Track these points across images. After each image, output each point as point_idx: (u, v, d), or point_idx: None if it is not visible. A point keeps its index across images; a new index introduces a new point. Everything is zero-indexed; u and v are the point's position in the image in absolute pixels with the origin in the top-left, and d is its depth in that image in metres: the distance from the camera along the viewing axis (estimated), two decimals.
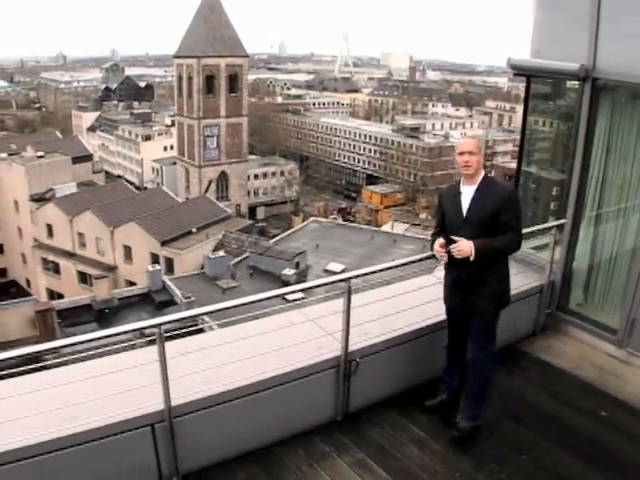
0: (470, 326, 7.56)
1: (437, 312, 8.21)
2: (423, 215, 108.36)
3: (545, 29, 9.35)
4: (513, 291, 8.12)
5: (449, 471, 6.97)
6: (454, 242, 7.14)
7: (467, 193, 7.30)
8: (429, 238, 7.85)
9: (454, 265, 7.33)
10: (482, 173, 7.32)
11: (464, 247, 7.04)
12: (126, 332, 6.65)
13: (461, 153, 7.24)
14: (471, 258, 7.04)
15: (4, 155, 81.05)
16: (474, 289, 7.33)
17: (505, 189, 7.44)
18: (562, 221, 9.63)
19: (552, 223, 9.85)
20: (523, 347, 9.74)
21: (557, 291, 10.05)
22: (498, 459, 7.16)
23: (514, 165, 11.89)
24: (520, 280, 9.51)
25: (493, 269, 7.38)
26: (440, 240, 7.32)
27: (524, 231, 8.93)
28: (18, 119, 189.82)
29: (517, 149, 11.48)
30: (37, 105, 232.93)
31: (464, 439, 7.43)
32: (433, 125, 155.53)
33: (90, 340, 6.29)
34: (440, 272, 8.55)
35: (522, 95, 10.90)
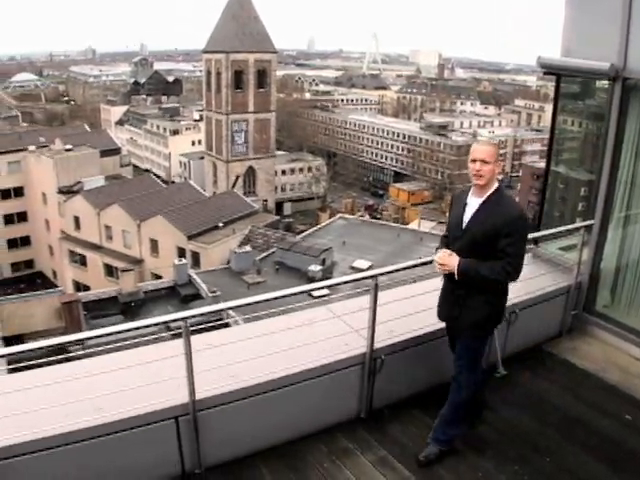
0: (456, 347, 7.23)
1: None
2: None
3: (575, 28, 9.26)
4: (540, 291, 8.07)
5: (471, 471, 6.95)
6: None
7: (472, 205, 6.75)
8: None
9: (446, 277, 6.97)
10: (495, 185, 6.72)
11: (449, 263, 6.68)
12: (152, 325, 6.67)
13: (473, 160, 6.68)
14: (456, 277, 6.68)
15: (33, 148, 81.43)
16: (457, 308, 6.91)
17: (512, 210, 6.65)
18: (590, 222, 9.55)
19: (580, 224, 9.76)
20: (549, 348, 9.65)
21: (584, 292, 9.93)
22: (521, 460, 7.11)
23: (542, 164, 11.83)
24: (547, 280, 9.48)
25: (480, 292, 6.78)
26: (443, 251, 6.85)
27: (550, 232, 8.83)
28: (47, 112, 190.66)
29: (546, 149, 11.42)
30: (66, 98, 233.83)
31: (430, 463, 7.08)
32: (461, 123, 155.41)
33: (117, 332, 6.34)
34: None
35: (551, 94, 10.84)
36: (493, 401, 8.20)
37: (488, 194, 6.67)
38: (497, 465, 7.04)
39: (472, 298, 6.77)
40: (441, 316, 7.24)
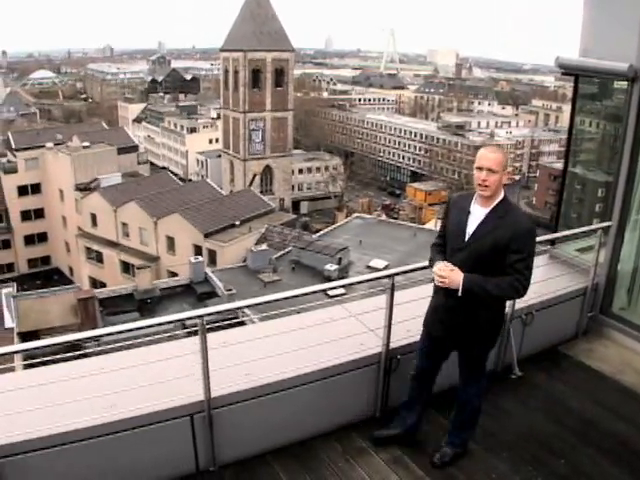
0: (459, 358, 6.94)
1: None
2: None
3: (594, 28, 9.21)
4: (556, 293, 8.04)
5: (485, 472, 6.92)
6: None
7: (477, 214, 6.33)
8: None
9: (443, 289, 6.43)
10: (501, 194, 6.28)
11: (453, 279, 6.22)
12: (169, 322, 6.70)
13: (479, 168, 6.18)
14: (459, 293, 6.23)
15: (50, 145, 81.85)
16: (462, 322, 6.51)
17: (523, 223, 6.27)
18: (607, 223, 9.49)
19: (597, 225, 9.70)
20: (565, 349, 9.60)
21: (600, 294, 9.87)
22: (535, 462, 7.08)
23: (560, 165, 11.79)
24: (564, 282, 9.45)
25: (488, 305, 6.46)
26: (440, 263, 6.38)
27: (567, 233, 8.79)
28: (65, 109, 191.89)
29: (563, 149, 11.38)
30: (83, 96, 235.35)
31: (444, 464, 7.00)
32: (479, 123, 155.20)
33: (133, 329, 6.35)
34: None
35: (569, 94, 10.81)
36: (508, 402, 8.23)
37: (495, 204, 6.28)
38: (512, 466, 7.01)
39: (475, 309, 6.41)
40: (438, 331, 6.78)
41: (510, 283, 6.15)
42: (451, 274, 6.21)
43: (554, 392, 8.55)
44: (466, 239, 6.30)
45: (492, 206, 6.25)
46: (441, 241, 6.74)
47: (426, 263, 7.00)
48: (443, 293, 6.46)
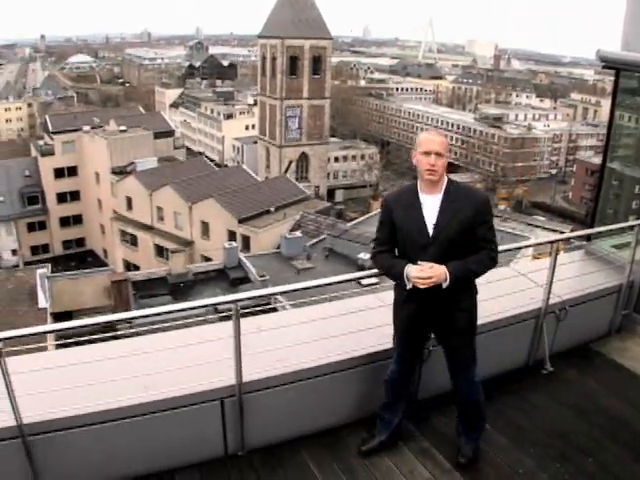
0: (447, 356, 6.74)
1: (514, 305, 8.17)
2: (502, 206, 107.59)
3: (636, 21, 9.10)
4: (591, 289, 7.97)
5: (513, 467, 6.87)
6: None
7: (430, 204, 6.13)
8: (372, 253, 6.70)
9: (419, 290, 6.14)
10: (445, 178, 6.17)
11: (435, 274, 5.98)
12: (203, 306, 6.72)
13: (426, 153, 6.01)
14: (444, 285, 6.03)
15: (87, 128, 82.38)
16: (445, 315, 6.35)
17: (478, 197, 6.27)
18: None
19: (634, 222, 9.60)
20: (597, 347, 9.48)
21: (635, 292, 9.73)
22: (563, 459, 7.01)
23: (597, 160, 11.66)
24: (598, 278, 9.36)
25: (466, 289, 6.37)
26: (414, 266, 6.09)
27: (603, 229, 8.71)
28: (102, 93, 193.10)
29: (601, 144, 11.31)
30: (121, 80, 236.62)
31: (471, 462, 6.88)
32: (516, 115, 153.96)
33: (167, 312, 6.40)
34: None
35: (609, 88, 10.70)
36: (538, 397, 8.18)
37: (444, 188, 6.15)
38: (539, 462, 6.95)
39: (458, 298, 6.30)
40: (417, 334, 6.67)
41: (488, 255, 6.16)
42: (432, 271, 6.00)
43: (585, 389, 8.48)
44: (430, 233, 6.10)
45: (443, 190, 6.14)
46: (386, 247, 6.47)
47: None
48: (420, 294, 6.18)
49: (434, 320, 6.42)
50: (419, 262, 6.07)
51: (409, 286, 6.14)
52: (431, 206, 6.11)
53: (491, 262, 6.21)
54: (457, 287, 6.12)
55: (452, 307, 6.29)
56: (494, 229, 6.26)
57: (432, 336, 6.84)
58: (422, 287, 6.04)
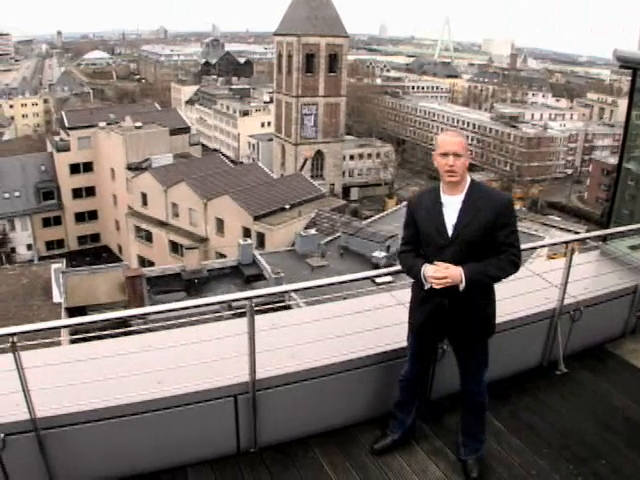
0: (460, 358, 6.68)
1: (528, 305, 8.15)
2: (517, 206, 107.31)
3: None
4: (605, 290, 7.92)
5: (525, 468, 6.84)
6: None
7: (451, 205, 6.09)
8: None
9: (436, 291, 6.10)
10: (468, 179, 6.13)
11: (453, 275, 5.91)
12: (217, 303, 6.73)
13: (444, 154, 5.98)
14: (460, 287, 5.95)
15: (103, 124, 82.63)
16: (462, 318, 6.24)
17: (501, 198, 6.15)
18: None
19: None
20: (611, 348, 9.43)
21: None
22: (576, 460, 6.98)
23: (613, 160, 11.58)
24: (613, 279, 9.31)
25: (483, 293, 6.27)
26: (430, 266, 6.05)
27: (619, 229, 8.66)
28: (118, 90, 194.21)
29: (617, 144, 11.26)
30: (137, 77, 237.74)
31: (480, 474, 6.68)
32: (532, 115, 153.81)
33: (182, 308, 6.45)
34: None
35: (625, 88, 10.66)
36: (552, 398, 8.16)
37: (466, 189, 6.11)
38: (552, 463, 6.93)
39: (478, 303, 6.22)
40: (431, 336, 6.66)
41: (509, 259, 6.00)
42: (449, 272, 5.93)
43: (599, 391, 8.43)
44: (450, 233, 6.04)
45: (465, 191, 6.09)
46: (410, 247, 6.45)
47: None
48: (437, 295, 6.14)
49: (450, 322, 6.30)
50: (435, 262, 6.01)
51: (427, 286, 6.10)
52: (452, 207, 6.06)
53: (512, 267, 6.05)
54: (476, 291, 6.04)
55: (469, 311, 6.20)
56: (517, 233, 6.12)
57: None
58: (437, 287, 5.98)
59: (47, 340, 6.67)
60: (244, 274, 48.16)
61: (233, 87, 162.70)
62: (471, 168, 6.22)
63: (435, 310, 6.27)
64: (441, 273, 5.94)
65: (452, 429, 7.35)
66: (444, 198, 6.12)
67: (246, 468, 6.86)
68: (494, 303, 6.41)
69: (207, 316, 7.64)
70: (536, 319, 8.30)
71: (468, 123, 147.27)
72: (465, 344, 6.53)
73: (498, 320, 6.47)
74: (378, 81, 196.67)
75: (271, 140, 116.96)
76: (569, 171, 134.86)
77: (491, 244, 6.00)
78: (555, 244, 10.78)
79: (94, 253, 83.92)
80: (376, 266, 46.19)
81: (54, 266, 44.57)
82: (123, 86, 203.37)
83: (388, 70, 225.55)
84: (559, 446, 7.21)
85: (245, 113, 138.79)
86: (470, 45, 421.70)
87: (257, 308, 6.56)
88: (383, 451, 7.08)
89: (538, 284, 8.54)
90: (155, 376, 6.53)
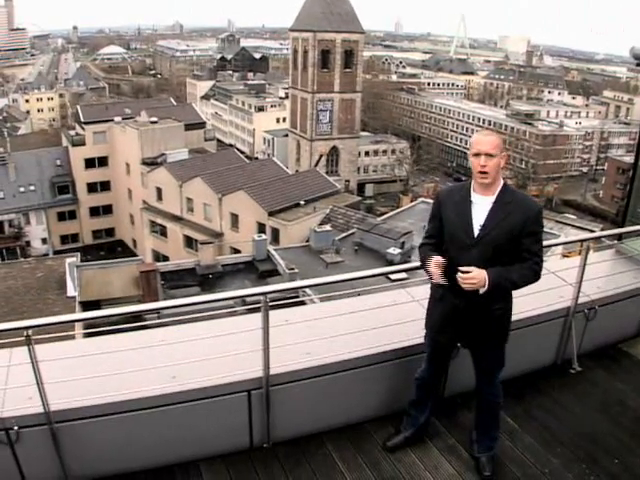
0: (475, 359, 6.67)
1: (543, 303, 8.15)
2: None
3: None
4: (620, 289, 7.89)
5: (538, 466, 6.85)
6: (456, 266, 5.96)
7: (481, 204, 6.00)
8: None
9: (452, 291, 6.10)
10: (501, 181, 6.00)
11: (478, 279, 5.82)
12: (232, 298, 6.76)
13: (477, 154, 5.89)
14: (481, 291, 5.88)
15: (119, 119, 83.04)
16: (479, 321, 6.22)
17: (532, 206, 6.02)
18: None
19: None
20: (626, 348, 9.41)
21: None
22: (589, 460, 6.97)
23: (629, 159, 11.53)
24: (629, 278, 9.29)
25: (500, 299, 6.19)
26: (438, 258, 6.07)
27: (635, 228, 8.62)
28: (133, 85, 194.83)
29: (633, 142, 11.21)
30: (152, 72, 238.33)
31: (493, 472, 6.71)
32: (548, 112, 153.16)
33: (195, 303, 6.45)
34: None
35: None
36: (565, 397, 8.16)
37: (498, 191, 5.99)
38: (565, 462, 6.92)
39: (495, 307, 6.17)
40: (446, 337, 6.59)
41: (531, 268, 5.94)
42: (475, 274, 5.83)
43: (612, 390, 8.41)
44: (476, 233, 5.97)
45: (497, 193, 5.98)
46: (433, 241, 6.36)
47: None
48: (456, 295, 6.11)
49: (465, 325, 6.28)
50: (459, 269, 5.89)
51: (435, 281, 6.10)
52: (481, 207, 5.99)
53: (534, 276, 6.01)
54: (493, 296, 6.00)
55: (486, 313, 6.17)
56: (542, 243, 6.10)
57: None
58: (465, 287, 5.90)
59: (61, 334, 6.71)
60: (258, 269, 48.10)
61: (248, 82, 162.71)
62: None
63: (450, 311, 6.27)
64: (472, 274, 5.84)
65: (465, 426, 7.37)
66: (474, 197, 6.05)
67: (259, 463, 6.89)
68: (510, 310, 6.39)
69: (221, 311, 7.65)
70: (550, 317, 8.29)
71: (483, 120, 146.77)
72: (480, 346, 6.51)
73: (513, 318, 6.44)
74: (394, 77, 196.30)
75: (286, 136, 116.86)
76: (584, 169, 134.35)
77: (515, 250, 5.94)
78: (570, 242, 10.78)
79: (109, 247, 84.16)
80: (391, 263, 46.09)
81: (68, 260, 44.64)
82: (139, 81, 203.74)
83: (404, 66, 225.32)
84: (572, 445, 7.21)
85: (260, 109, 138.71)
86: (486, 42, 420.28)
87: (271, 303, 6.57)
88: (395, 448, 7.08)
89: (553, 282, 8.50)
90: (169, 371, 6.56)
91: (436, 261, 6.04)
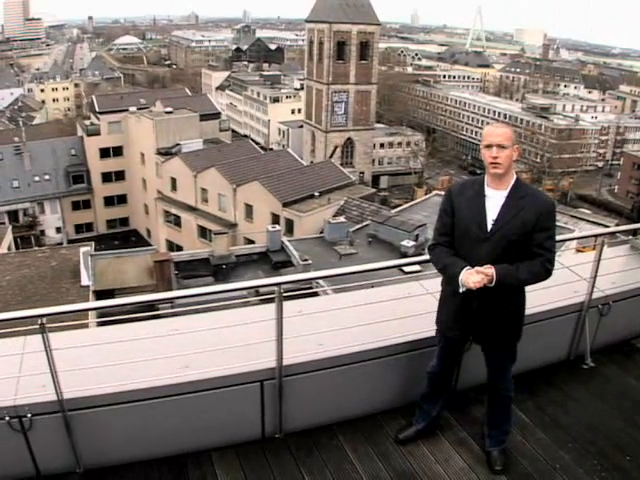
0: (486, 354, 6.64)
1: (556, 298, 8.14)
2: None
3: None
4: (635, 284, 7.86)
5: (549, 461, 6.84)
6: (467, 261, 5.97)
7: (495, 198, 5.97)
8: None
9: (465, 290, 6.00)
10: (514, 175, 5.99)
11: (487, 273, 5.79)
12: (245, 288, 6.77)
13: (488, 146, 5.86)
14: (488, 285, 5.83)
15: (134, 109, 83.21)
16: (490, 318, 6.19)
17: (545, 201, 5.98)
18: None
19: None
20: (639, 344, 9.37)
21: None
22: (601, 456, 6.95)
23: None
24: (639, 274, 9.25)
25: (513, 298, 6.22)
26: (470, 269, 5.89)
27: None
28: (149, 75, 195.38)
29: None
30: (168, 62, 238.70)
31: (504, 466, 6.71)
32: (564, 106, 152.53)
33: (209, 293, 6.47)
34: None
35: None
36: (578, 392, 8.15)
37: (511, 185, 5.97)
38: (576, 458, 6.90)
39: (506, 305, 6.18)
40: (457, 335, 6.57)
41: (542, 265, 5.89)
42: (487, 271, 5.81)
43: (625, 386, 8.39)
44: (489, 227, 5.94)
45: (510, 187, 5.97)
46: (445, 239, 6.28)
47: None
48: (466, 294, 6.02)
49: (477, 323, 6.28)
50: (478, 269, 5.84)
51: (462, 289, 5.96)
52: (495, 201, 5.97)
53: (544, 273, 5.95)
54: (505, 294, 6.02)
55: (497, 314, 6.16)
56: (554, 239, 6.01)
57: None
58: (474, 288, 5.83)
59: (75, 322, 6.73)
60: (272, 260, 48.14)
61: (264, 73, 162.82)
62: None
63: (462, 309, 6.25)
64: (481, 275, 5.81)
65: (477, 420, 7.39)
66: (488, 191, 6.02)
67: (270, 453, 6.91)
68: (523, 307, 6.39)
69: (234, 301, 7.67)
70: (564, 312, 8.26)
71: (499, 113, 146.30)
72: (492, 343, 6.50)
73: (526, 312, 6.42)
74: (409, 69, 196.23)
75: (301, 127, 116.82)
76: (600, 164, 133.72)
77: (527, 246, 5.91)
78: (585, 237, 10.72)
79: (123, 237, 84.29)
80: (404, 255, 46.00)
81: (83, 249, 44.66)
82: (154, 71, 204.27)
83: (419, 59, 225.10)
84: (584, 441, 7.19)
85: (275, 100, 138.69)
86: (502, 35, 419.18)
87: (284, 294, 6.58)
88: (407, 441, 7.09)
89: (567, 277, 8.48)
90: (182, 360, 6.58)
91: (470, 273, 5.89)
